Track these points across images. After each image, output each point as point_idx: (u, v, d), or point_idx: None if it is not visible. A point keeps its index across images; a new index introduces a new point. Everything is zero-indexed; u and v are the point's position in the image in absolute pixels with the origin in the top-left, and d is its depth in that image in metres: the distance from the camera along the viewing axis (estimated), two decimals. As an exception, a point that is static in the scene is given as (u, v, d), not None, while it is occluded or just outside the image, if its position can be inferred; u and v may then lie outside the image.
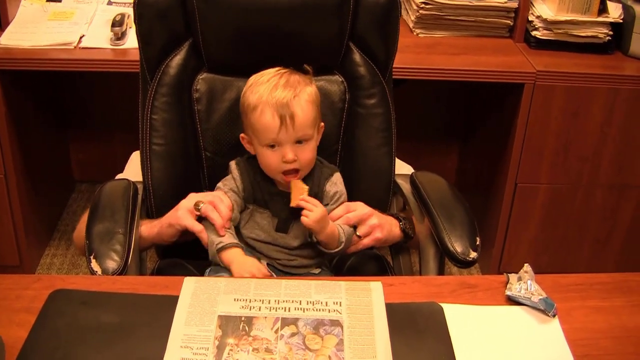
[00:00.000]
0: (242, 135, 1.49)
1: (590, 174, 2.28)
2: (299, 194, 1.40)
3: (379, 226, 1.51)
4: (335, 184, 1.49)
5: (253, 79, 1.45)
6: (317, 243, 1.45)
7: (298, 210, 1.42)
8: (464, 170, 2.87)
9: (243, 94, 1.45)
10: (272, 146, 1.41)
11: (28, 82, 2.33)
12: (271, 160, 1.41)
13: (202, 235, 1.43)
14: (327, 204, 1.48)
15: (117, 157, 2.60)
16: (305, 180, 1.46)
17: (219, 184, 1.51)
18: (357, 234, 1.50)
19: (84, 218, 1.47)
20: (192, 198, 1.45)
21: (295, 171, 1.42)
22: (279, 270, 1.50)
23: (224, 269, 1.45)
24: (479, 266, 2.59)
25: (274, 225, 1.47)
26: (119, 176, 1.67)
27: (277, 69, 1.45)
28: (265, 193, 1.48)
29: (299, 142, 1.41)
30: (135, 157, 1.66)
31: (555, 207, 2.34)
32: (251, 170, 1.48)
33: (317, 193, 1.47)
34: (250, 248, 1.49)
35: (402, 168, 1.71)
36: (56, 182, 2.77)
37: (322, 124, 1.51)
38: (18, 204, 2.25)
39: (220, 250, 1.40)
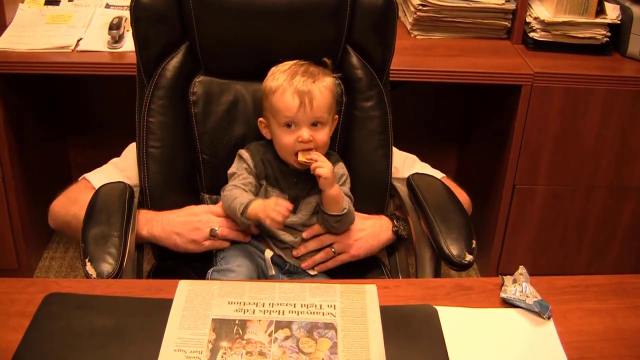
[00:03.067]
0: (260, 119, 1.55)
1: (589, 176, 2.28)
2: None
3: (348, 257, 1.57)
4: (342, 168, 1.57)
5: (273, 68, 1.51)
6: (321, 205, 1.50)
7: (307, 189, 1.50)
8: (463, 172, 2.87)
9: (264, 82, 1.52)
10: (289, 126, 1.47)
11: (26, 86, 2.33)
12: (287, 140, 1.47)
13: (224, 245, 1.52)
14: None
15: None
16: None
17: (232, 171, 1.53)
18: (333, 249, 1.56)
19: (68, 193, 1.59)
20: (203, 230, 1.50)
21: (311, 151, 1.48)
22: (281, 265, 1.53)
23: (227, 270, 1.46)
24: (477, 268, 2.59)
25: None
26: (114, 160, 1.70)
27: (296, 60, 1.51)
28: (276, 171, 1.52)
29: (314, 124, 1.47)
30: (131, 149, 1.67)
31: (554, 209, 2.33)
32: (262, 151, 1.54)
33: None
34: (259, 230, 1.53)
35: (427, 170, 1.76)
36: (55, 185, 2.75)
37: (337, 116, 1.57)
38: (16, 208, 2.25)
39: (244, 212, 1.43)
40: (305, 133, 1.45)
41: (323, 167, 1.45)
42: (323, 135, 1.48)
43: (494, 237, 2.38)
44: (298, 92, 1.44)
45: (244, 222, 1.47)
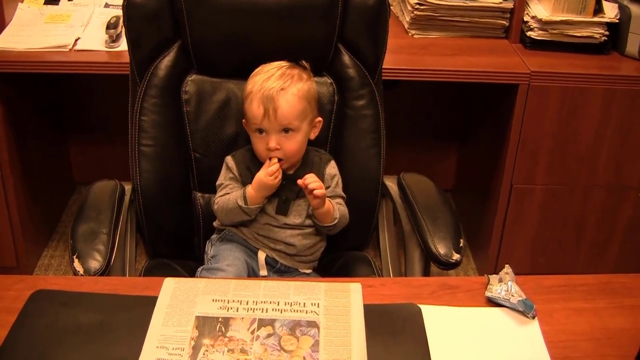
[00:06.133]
0: (243, 120, 1.56)
1: (587, 175, 2.27)
2: None
3: None
4: (334, 167, 1.58)
5: (257, 69, 1.51)
6: (313, 217, 1.52)
7: (296, 191, 1.50)
8: (462, 171, 2.87)
9: (245, 84, 1.53)
10: (260, 132, 1.48)
11: (26, 85, 2.34)
12: (258, 146, 1.50)
13: None
14: (329, 186, 1.55)
15: (117, 158, 2.62)
16: (306, 167, 1.53)
17: (219, 182, 1.55)
18: None
19: None
20: None
21: (280, 160, 1.48)
22: (273, 264, 1.53)
23: (216, 269, 1.47)
24: (475, 267, 2.59)
25: (274, 208, 1.51)
26: None
27: (281, 62, 1.51)
28: None
29: (286, 131, 1.47)
30: None
31: (552, 208, 2.32)
32: (247, 157, 1.55)
33: (317, 176, 1.51)
34: (252, 233, 1.53)
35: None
36: (56, 183, 2.79)
37: (320, 119, 1.55)
38: (15, 206, 2.26)
39: (246, 201, 1.47)
40: (272, 142, 1.46)
41: (321, 188, 1.44)
42: (294, 143, 1.48)
43: (492, 237, 2.37)
44: (263, 100, 1.45)
45: (252, 212, 1.49)
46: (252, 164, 1.54)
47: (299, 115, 1.47)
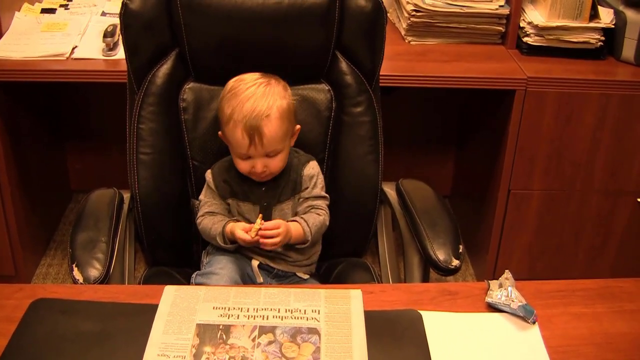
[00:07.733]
0: (219, 132, 1.53)
1: (584, 180, 2.27)
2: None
3: None
4: (313, 168, 1.55)
5: (231, 84, 1.48)
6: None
7: (277, 195, 1.51)
8: (459, 177, 2.87)
9: (220, 99, 1.49)
10: (244, 157, 1.47)
11: (23, 94, 2.34)
12: (242, 166, 1.49)
13: None
14: (307, 187, 1.53)
15: (114, 166, 2.62)
16: (284, 170, 1.52)
17: (200, 197, 1.58)
18: None
19: None
20: None
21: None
22: (270, 270, 1.53)
23: (210, 273, 1.47)
24: (473, 273, 2.59)
25: (257, 214, 1.50)
26: None
27: (256, 76, 1.48)
28: (244, 185, 1.53)
29: (268, 154, 1.46)
30: None
31: (550, 214, 2.33)
32: (223, 169, 1.55)
33: (295, 179, 1.52)
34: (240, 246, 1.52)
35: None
36: (53, 192, 2.78)
37: (298, 126, 1.55)
38: (13, 215, 2.26)
39: (225, 241, 1.48)
40: (258, 166, 1.46)
41: (275, 236, 1.43)
42: (278, 161, 1.48)
43: (490, 243, 2.37)
44: (247, 129, 1.42)
45: (231, 249, 1.50)
46: (228, 176, 1.53)
47: (282, 138, 1.46)
